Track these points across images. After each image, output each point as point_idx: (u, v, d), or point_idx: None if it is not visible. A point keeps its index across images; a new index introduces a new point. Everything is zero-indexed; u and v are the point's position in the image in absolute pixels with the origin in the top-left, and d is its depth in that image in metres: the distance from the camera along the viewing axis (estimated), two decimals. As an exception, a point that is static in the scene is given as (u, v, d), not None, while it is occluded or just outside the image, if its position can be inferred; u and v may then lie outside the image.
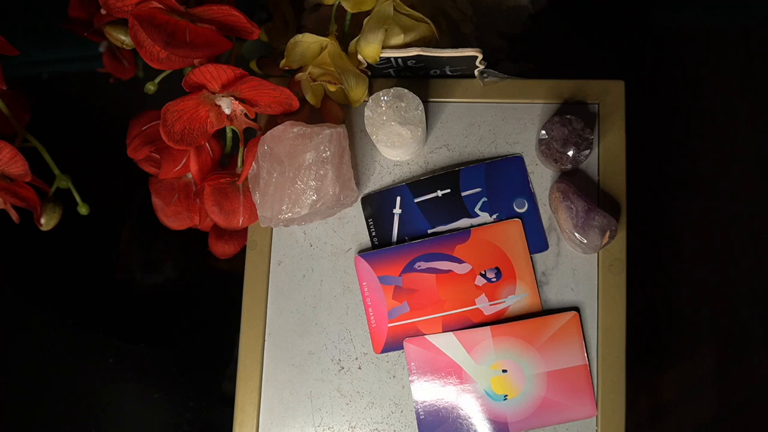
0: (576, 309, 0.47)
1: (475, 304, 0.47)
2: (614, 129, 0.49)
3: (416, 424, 0.47)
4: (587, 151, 0.46)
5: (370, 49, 0.45)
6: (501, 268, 0.48)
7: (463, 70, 0.48)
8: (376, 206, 0.49)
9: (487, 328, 0.47)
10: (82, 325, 0.69)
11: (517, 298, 0.47)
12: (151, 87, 0.48)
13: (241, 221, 0.49)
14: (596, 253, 0.48)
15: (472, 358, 0.47)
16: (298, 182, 0.45)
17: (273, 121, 0.50)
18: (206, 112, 0.46)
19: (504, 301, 0.47)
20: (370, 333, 0.48)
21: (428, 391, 0.47)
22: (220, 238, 0.52)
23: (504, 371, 0.47)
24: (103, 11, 0.47)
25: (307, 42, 0.47)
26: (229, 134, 0.51)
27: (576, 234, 0.46)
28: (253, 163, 0.47)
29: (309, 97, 0.49)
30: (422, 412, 0.47)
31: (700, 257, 0.85)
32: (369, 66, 0.48)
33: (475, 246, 0.48)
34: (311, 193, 0.45)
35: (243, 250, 0.51)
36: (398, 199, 0.49)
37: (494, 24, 0.55)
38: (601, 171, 0.48)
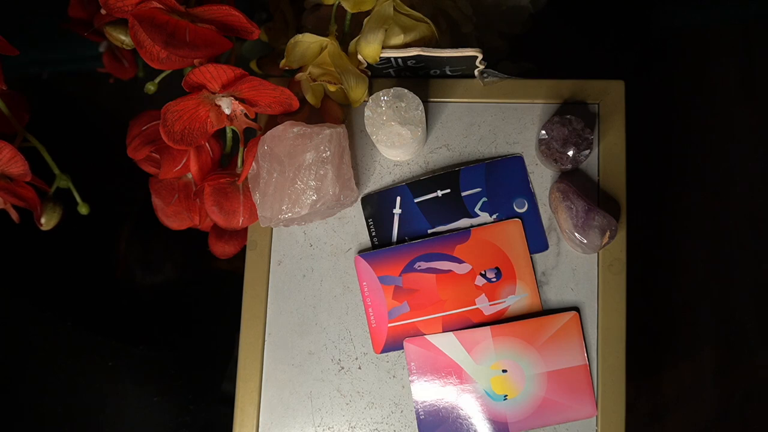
0: (576, 309, 0.47)
1: (475, 304, 0.47)
2: (614, 129, 0.49)
3: (416, 424, 0.47)
4: (587, 151, 0.46)
5: (370, 49, 0.45)
6: (501, 268, 0.48)
7: (463, 70, 0.48)
8: (376, 206, 0.49)
9: (487, 328, 0.47)
10: (81, 326, 0.69)
11: (517, 298, 0.47)
12: (151, 87, 0.48)
13: (241, 221, 0.49)
14: (596, 253, 0.48)
15: (472, 358, 0.47)
16: (298, 182, 0.45)
17: (273, 121, 0.50)
18: (206, 112, 0.46)
19: (504, 301, 0.47)
20: (370, 333, 0.48)
21: (428, 391, 0.47)
22: (220, 238, 0.52)
23: (504, 371, 0.47)
24: (103, 11, 0.47)
25: (307, 42, 0.47)
26: (229, 134, 0.51)
27: (576, 234, 0.46)
28: (253, 163, 0.47)
29: (309, 97, 0.49)
30: (422, 412, 0.47)
31: (700, 257, 0.85)
32: (369, 66, 0.48)
33: (475, 246, 0.48)
34: (311, 193, 0.45)
35: (243, 250, 0.51)
36: (398, 199, 0.49)
37: (494, 24, 0.55)
38: (601, 171, 0.48)
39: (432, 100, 0.50)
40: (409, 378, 0.47)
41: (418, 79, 0.50)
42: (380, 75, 0.50)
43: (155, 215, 0.53)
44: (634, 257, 0.49)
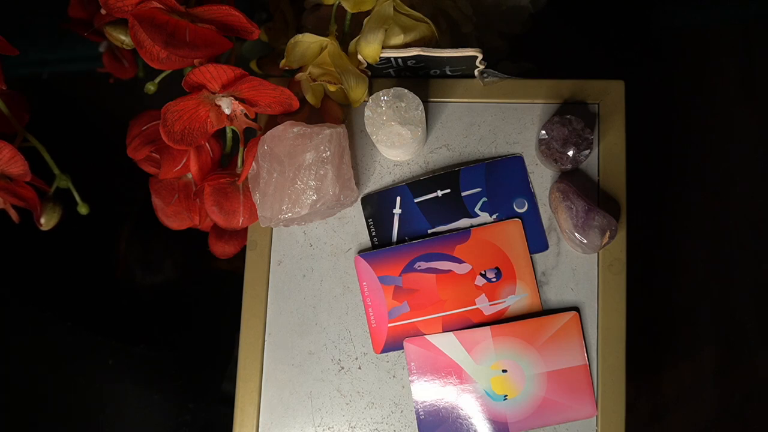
0: (576, 309, 0.47)
1: (475, 304, 0.47)
2: (614, 129, 0.49)
3: (416, 424, 0.47)
4: (587, 151, 0.46)
5: (370, 49, 0.45)
6: (501, 268, 0.48)
7: (463, 70, 0.48)
8: (376, 206, 0.49)
9: (487, 328, 0.47)
10: (81, 326, 0.69)
11: (517, 298, 0.47)
12: (151, 87, 0.48)
13: (241, 221, 0.49)
14: (596, 253, 0.48)
15: (472, 358, 0.47)
16: (298, 182, 0.45)
17: (273, 121, 0.50)
18: (206, 112, 0.46)
19: (504, 301, 0.47)
20: (370, 333, 0.48)
21: (428, 391, 0.47)
22: (220, 238, 0.52)
23: (504, 371, 0.47)
24: (103, 11, 0.47)
25: (307, 42, 0.47)
26: (229, 134, 0.51)
27: (576, 234, 0.46)
28: (253, 163, 0.47)
29: (309, 97, 0.49)
30: (422, 412, 0.47)
31: (700, 257, 0.85)
32: (369, 66, 0.48)
33: (475, 246, 0.48)
34: (311, 193, 0.45)
35: (243, 250, 0.51)
36: (398, 199, 0.49)
37: (494, 24, 0.55)
38: (601, 171, 0.48)
39: (432, 100, 0.50)
40: (409, 378, 0.47)
41: (418, 79, 0.50)
42: (380, 75, 0.50)
43: (155, 215, 0.53)
44: (634, 257, 0.49)
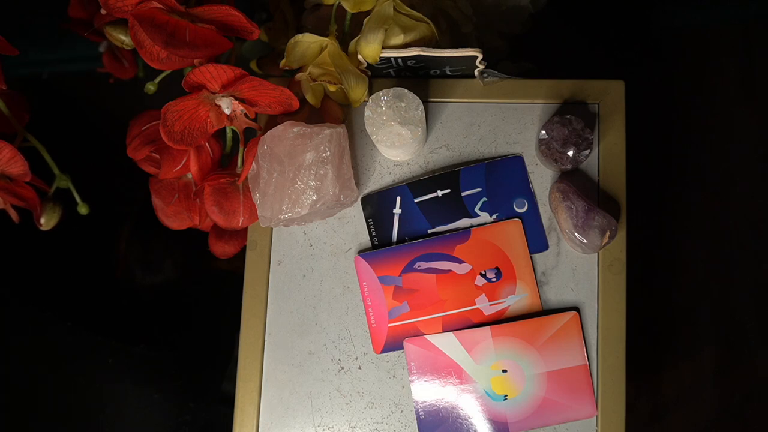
0: (576, 309, 0.47)
1: (475, 304, 0.47)
2: (614, 129, 0.49)
3: (416, 424, 0.47)
4: (587, 151, 0.46)
5: (370, 49, 0.45)
6: (501, 268, 0.48)
7: (463, 70, 0.48)
8: (376, 206, 0.49)
9: (487, 328, 0.47)
10: (81, 326, 0.69)
11: (517, 298, 0.47)
12: (151, 87, 0.48)
13: (241, 221, 0.49)
14: (596, 253, 0.48)
15: (472, 358, 0.47)
16: (298, 182, 0.45)
17: (273, 121, 0.50)
18: (206, 112, 0.46)
19: (504, 301, 0.47)
20: (370, 333, 0.48)
21: (428, 391, 0.47)
22: (220, 238, 0.52)
23: (504, 371, 0.47)
24: (103, 11, 0.47)
25: (307, 42, 0.47)
26: (229, 134, 0.51)
27: (576, 234, 0.46)
28: (253, 163, 0.47)
29: (309, 97, 0.49)
30: (422, 412, 0.47)
31: (700, 257, 0.85)
32: (369, 66, 0.48)
33: (475, 246, 0.48)
34: (311, 193, 0.45)
35: (243, 250, 0.51)
36: (398, 199, 0.49)
37: (494, 24, 0.55)
38: (601, 171, 0.48)
39: (432, 100, 0.50)
40: (409, 378, 0.47)
41: (418, 79, 0.50)
42: (380, 75, 0.50)
43: (155, 215, 0.53)
44: (634, 257, 0.49)
